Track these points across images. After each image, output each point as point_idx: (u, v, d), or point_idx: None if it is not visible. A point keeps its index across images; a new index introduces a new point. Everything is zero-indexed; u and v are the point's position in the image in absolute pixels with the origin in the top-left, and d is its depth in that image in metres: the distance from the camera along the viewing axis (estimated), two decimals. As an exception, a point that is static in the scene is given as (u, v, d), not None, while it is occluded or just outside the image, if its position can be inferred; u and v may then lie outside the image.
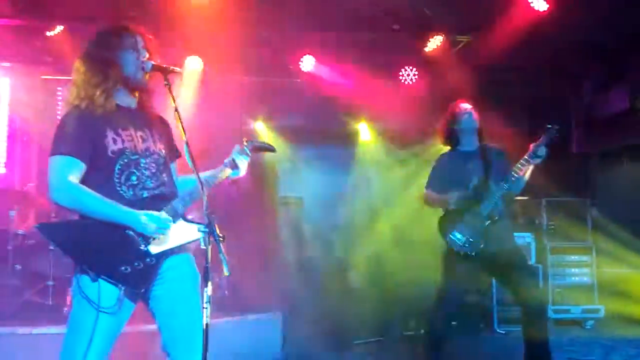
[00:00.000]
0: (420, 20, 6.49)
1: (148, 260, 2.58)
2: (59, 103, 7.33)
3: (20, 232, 5.85)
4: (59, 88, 7.65)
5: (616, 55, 6.96)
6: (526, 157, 4.11)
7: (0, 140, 6.49)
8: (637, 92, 6.90)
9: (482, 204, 4.16)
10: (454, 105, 4.47)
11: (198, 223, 2.61)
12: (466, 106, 4.44)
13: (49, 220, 5.66)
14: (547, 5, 5.76)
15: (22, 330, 4.70)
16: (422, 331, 5.98)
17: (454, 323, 6.17)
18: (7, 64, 7.34)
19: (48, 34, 6.62)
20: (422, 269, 6.14)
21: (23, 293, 5.65)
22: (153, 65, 2.67)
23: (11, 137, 7.08)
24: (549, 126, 4.13)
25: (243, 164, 2.90)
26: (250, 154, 2.95)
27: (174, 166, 2.93)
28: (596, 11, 5.71)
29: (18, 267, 5.81)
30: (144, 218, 2.53)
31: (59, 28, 6.56)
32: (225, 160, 2.89)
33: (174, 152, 2.90)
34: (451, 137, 4.46)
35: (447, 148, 4.56)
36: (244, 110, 8.00)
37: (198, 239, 2.47)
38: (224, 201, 6.39)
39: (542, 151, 4.08)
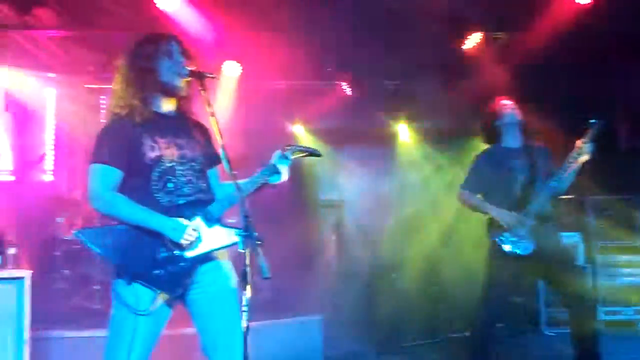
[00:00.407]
0: (458, 18, 6.40)
1: (182, 264, 2.62)
2: (103, 112, 7.50)
3: (67, 237, 6.00)
4: (102, 97, 7.83)
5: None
6: (572, 155, 4.01)
7: (47, 149, 6.67)
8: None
9: (530, 204, 4.07)
10: (495, 102, 4.38)
11: (235, 227, 2.62)
12: (508, 102, 4.36)
13: (97, 225, 5.80)
14: (591, -2, 5.61)
15: (70, 333, 4.83)
16: (467, 333, 5.92)
17: (499, 325, 6.10)
18: (52, 75, 7.55)
19: (91, 43, 6.78)
20: (467, 270, 6.06)
21: (71, 297, 5.81)
22: (189, 71, 2.69)
23: (58, 145, 7.26)
24: (593, 121, 4.03)
25: (284, 169, 2.89)
26: (291, 159, 2.93)
27: (215, 172, 2.94)
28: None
29: (66, 272, 5.98)
30: (171, 223, 2.58)
31: (101, 38, 6.71)
32: (265, 166, 2.88)
33: (213, 158, 2.91)
34: (493, 134, 4.36)
35: (485, 145, 4.47)
36: (283, 114, 8.03)
37: (234, 244, 2.48)
38: (265, 205, 6.42)
39: (588, 147, 3.97)
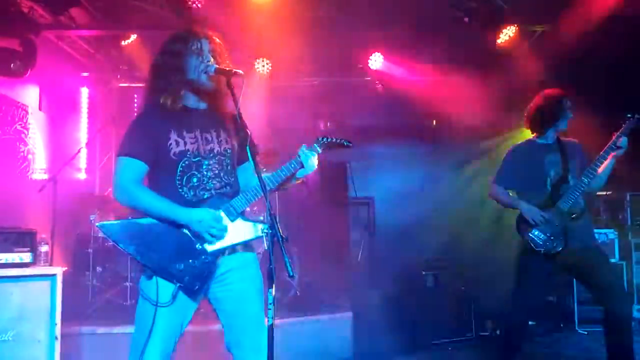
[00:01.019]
0: (492, 11, 6.30)
1: (203, 257, 2.65)
2: (135, 110, 7.61)
3: (100, 235, 6.09)
4: (135, 95, 7.95)
5: None
6: (607, 149, 3.92)
7: (81, 148, 6.79)
8: None
9: (561, 200, 4.00)
10: (554, 92, 4.21)
11: (258, 222, 2.63)
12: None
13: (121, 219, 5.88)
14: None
15: (102, 329, 4.92)
16: (498, 332, 5.84)
17: (532, 323, 6.01)
18: (85, 74, 7.68)
19: (123, 43, 6.88)
20: (498, 268, 5.98)
21: (103, 294, 5.90)
22: (216, 68, 2.69)
23: (91, 144, 7.39)
24: (629, 115, 3.94)
25: (311, 161, 2.88)
26: (320, 151, 2.94)
27: (244, 167, 2.94)
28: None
29: (99, 268, 6.08)
30: (198, 215, 2.60)
31: (133, 37, 6.80)
32: (292, 159, 2.89)
33: (242, 154, 2.90)
34: (547, 123, 4.18)
35: (519, 141, 4.38)
36: (313, 110, 8.03)
37: (256, 238, 2.49)
38: (295, 202, 6.43)
39: (624, 142, 3.89)
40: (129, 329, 4.60)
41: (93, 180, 7.86)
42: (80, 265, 6.13)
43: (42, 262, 3.93)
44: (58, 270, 3.82)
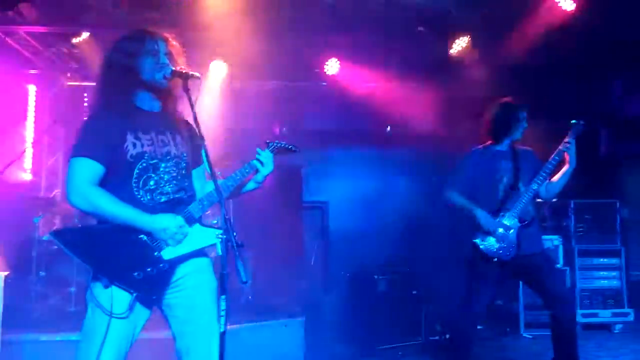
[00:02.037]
0: (445, 21, 6.42)
1: (161, 265, 2.58)
2: (85, 109, 7.42)
3: (44, 238, 5.91)
4: (85, 94, 7.75)
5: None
6: (554, 157, 4.04)
7: (26, 147, 6.57)
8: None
9: (512, 207, 4.09)
10: (510, 103, 4.32)
11: (215, 228, 2.60)
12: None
13: (73, 226, 5.72)
14: (575, 4, 5.65)
15: (45, 336, 4.74)
16: (447, 336, 5.93)
17: (479, 327, 6.12)
18: (33, 71, 7.45)
19: (74, 40, 6.71)
20: (449, 273, 6.07)
21: (47, 299, 5.71)
22: (173, 70, 2.65)
23: (37, 144, 7.16)
24: (574, 122, 4.09)
25: (268, 162, 2.89)
26: (272, 155, 2.94)
27: (198, 171, 2.91)
28: (624, 10, 5.59)
29: (42, 273, 5.88)
30: (162, 222, 2.54)
31: (85, 34, 6.64)
32: (246, 164, 2.87)
33: (197, 157, 2.88)
34: (502, 132, 4.28)
35: (473, 147, 4.47)
36: (269, 114, 8.00)
37: (213, 244, 2.46)
38: (249, 206, 6.39)
39: (570, 149, 4.00)
40: (74, 336, 4.51)
41: (39, 182, 7.61)
42: (23, 270, 5.90)
43: (-17, 266, 3.79)
44: (0, 275, 3.69)
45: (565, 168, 4.11)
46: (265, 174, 2.90)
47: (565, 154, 4.05)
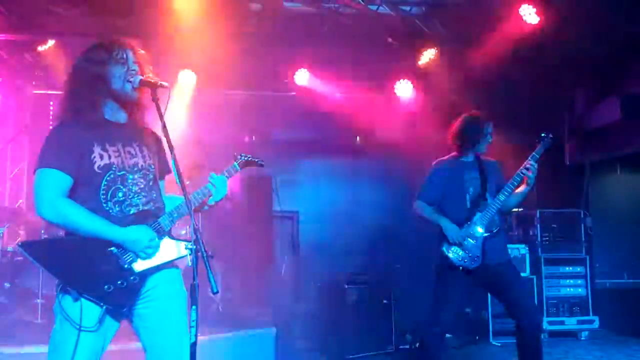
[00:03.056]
0: (413, 33, 6.50)
1: (132, 278, 2.55)
2: (51, 118, 7.29)
3: (9, 249, 5.79)
4: (51, 103, 7.62)
5: (607, 67, 6.98)
6: (522, 169, 4.11)
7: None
8: (629, 103, 6.91)
9: (479, 217, 4.15)
10: (476, 117, 4.38)
11: (184, 240, 2.58)
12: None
13: (39, 237, 5.61)
14: (539, 18, 5.78)
15: (9, 349, 4.63)
16: (418, 345, 5.96)
17: (448, 335, 6.17)
18: (-3, 79, 7.31)
19: (39, 48, 6.60)
20: (418, 282, 6.12)
21: (11, 311, 5.58)
22: (141, 80, 2.63)
23: (1, 153, 7.01)
24: (543, 135, 4.16)
25: (221, 186, 2.86)
26: (239, 169, 2.98)
27: (163, 183, 2.90)
28: (587, 23, 5.74)
29: (7, 284, 5.74)
30: (133, 234, 2.51)
31: (51, 42, 6.54)
32: (202, 187, 2.85)
33: (165, 168, 2.87)
34: (467, 145, 4.34)
35: (441, 157, 4.52)
36: (238, 124, 7.98)
37: (184, 257, 2.44)
38: (219, 216, 6.35)
39: (532, 167, 4.07)
40: (40, 348, 4.42)
41: (2, 192, 7.45)
42: (-13, 281, 5.78)
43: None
44: (-37, 287, 3.60)
45: (522, 187, 4.18)
46: (217, 199, 2.89)
47: (527, 173, 4.10)
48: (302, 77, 7.36)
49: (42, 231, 5.68)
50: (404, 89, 7.59)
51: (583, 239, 7.13)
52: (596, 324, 6.83)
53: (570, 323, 6.85)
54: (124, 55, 2.67)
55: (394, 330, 6.12)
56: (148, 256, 2.58)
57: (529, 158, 4.12)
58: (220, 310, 6.03)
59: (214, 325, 5.55)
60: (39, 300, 5.51)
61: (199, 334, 2.30)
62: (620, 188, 8.10)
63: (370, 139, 8.33)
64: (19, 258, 5.81)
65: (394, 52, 6.81)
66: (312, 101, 7.57)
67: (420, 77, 7.29)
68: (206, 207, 2.94)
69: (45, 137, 2.59)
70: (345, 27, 6.28)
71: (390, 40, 6.55)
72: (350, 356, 5.82)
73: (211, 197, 2.87)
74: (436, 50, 6.79)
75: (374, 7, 6.15)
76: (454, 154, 4.45)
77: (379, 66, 7.22)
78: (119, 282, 2.51)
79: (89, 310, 2.45)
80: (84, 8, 5.92)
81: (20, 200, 7.27)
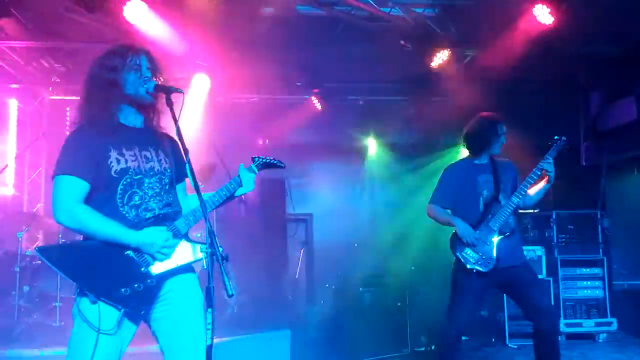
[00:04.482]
0: (426, 35, 6.49)
1: (149, 281, 2.57)
2: (67, 123, 7.38)
3: (28, 252, 5.85)
4: (67, 108, 7.72)
5: (622, 67, 6.92)
6: (535, 171, 4.09)
7: (9, 162, 6.52)
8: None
9: (493, 219, 4.13)
10: (490, 118, 4.35)
11: (200, 243, 2.60)
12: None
13: (57, 241, 5.68)
14: (553, 19, 5.74)
15: (29, 352, 4.69)
16: (433, 347, 5.95)
17: (465, 338, 6.14)
18: (15, 86, 7.41)
19: (56, 54, 6.68)
20: (432, 285, 6.10)
21: (31, 314, 5.65)
22: (156, 85, 2.65)
23: (19, 158, 7.10)
24: (556, 137, 4.13)
25: (250, 180, 2.90)
26: (257, 171, 2.96)
27: (183, 186, 2.92)
28: (601, 23, 5.70)
29: (26, 288, 5.82)
30: (149, 237, 2.54)
31: (67, 49, 6.62)
32: (231, 179, 2.89)
33: (181, 172, 2.88)
34: (481, 147, 4.31)
35: (454, 160, 4.50)
36: (252, 127, 8.03)
37: (200, 259, 2.45)
38: (233, 220, 6.38)
39: (549, 166, 4.05)
40: (59, 351, 4.47)
41: (21, 196, 7.55)
42: (6, 285, 5.84)
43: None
44: (-17, 291, 3.65)
45: (543, 183, 4.15)
46: (246, 191, 2.91)
47: (544, 170, 4.08)
48: (314, 80, 7.36)
49: (60, 235, 5.75)
50: (418, 90, 7.56)
51: (600, 240, 7.05)
52: (614, 326, 6.75)
53: (588, 325, 6.78)
54: (138, 61, 2.69)
55: (409, 332, 6.10)
56: (164, 258, 2.60)
57: (542, 161, 4.09)
58: (235, 313, 6.06)
59: (229, 327, 5.58)
60: (57, 304, 5.58)
61: (214, 337, 2.32)
62: (637, 188, 8.00)
63: (383, 141, 8.34)
64: (37, 262, 5.88)
65: (407, 54, 6.80)
66: (325, 104, 7.59)
67: (434, 78, 7.26)
68: (231, 197, 2.93)
69: (62, 144, 2.62)
70: (358, 30, 6.29)
71: (402, 42, 6.55)
72: (366, 358, 5.81)
73: (241, 188, 2.89)
74: (449, 52, 6.77)
75: (386, 10, 6.15)
76: (467, 156, 4.43)
77: (392, 68, 7.22)
78: (135, 285, 2.53)
79: (107, 313, 2.48)
80: (99, 15, 5.99)
81: (39, 205, 7.36)
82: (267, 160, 3.03)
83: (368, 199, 8.22)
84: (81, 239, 2.63)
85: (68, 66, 7.07)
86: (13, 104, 7.54)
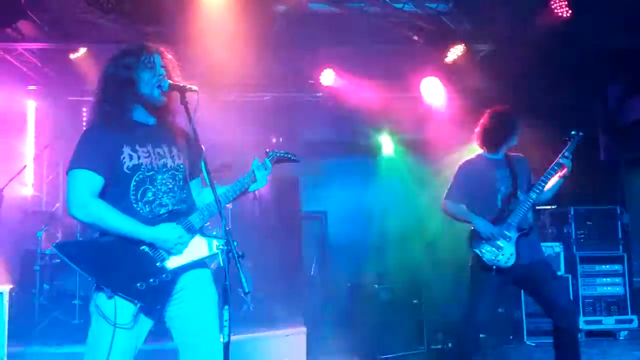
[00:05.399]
0: (440, 30, 6.45)
1: (164, 276, 2.60)
2: (84, 124, 7.44)
3: (47, 251, 5.92)
4: (84, 109, 7.78)
5: (640, 60, 6.83)
6: (553, 166, 4.05)
7: (27, 162, 6.60)
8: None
9: (511, 215, 4.09)
10: (506, 111, 4.33)
11: (215, 237, 2.61)
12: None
13: (76, 239, 5.74)
14: (571, 11, 5.67)
15: (49, 349, 4.75)
16: (450, 344, 5.92)
17: (482, 335, 6.11)
18: (32, 87, 7.49)
19: (72, 56, 6.74)
20: (449, 282, 6.07)
21: (50, 312, 5.72)
22: (170, 84, 2.68)
23: (38, 158, 7.18)
24: (574, 132, 4.09)
25: (263, 175, 2.91)
26: (271, 166, 2.98)
27: (197, 182, 2.94)
28: (619, 16, 5.62)
29: (46, 286, 5.89)
30: (163, 233, 2.56)
31: (83, 50, 6.68)
32: (245, 174, 2.90)
33: (195, 168, 2.89)
34: (500, 141, 4.29)
35: (468, 157, 4.47)
36: (265, 124, 8.03)
37: (215, 254, 2.46)
38: (248, 217, 6.40)
39: (567, 161, 4.01)
40: (78, 348, 4.52)
41: (40, 196, 7.64)
42: (26, 283, 5.92)
43: (-14, 280, 3.80)
44: (4, 289, 3.70)
45: (557, 178, 4.11)
46: (260, 186, 2.94)
47: (564, 165, 4.05)
48: (328, 77, 7.35)
49: (78, 234, 5.81)
50: (431, 87, 7.51)
51: (620, 236, 6.97)
52: (635, 324, 6.66)
53: (608, 322, 6.70)
54: (152, 60, 2.72)
55: (425, 330, 6.08)
56: (178, 253, 2.62)
57: (560, 157, 4.05)
58: (250, 310, 6.08)
59: (245, 325, 5.60)
60: (76, 302, 5.64)
61: (231, 334, 2.32)
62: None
63: (397, 138, 8.30)
64: (57, 260, 5.95)
65: (420, 50, 6.76)
66: (338, 101, 7.57)
67: (447, 74, 7.21)
68: (245, 191, 2.96)
69: (78, 140, 2.65)
70: (371, 26, 6.26)
71: (416, 38, 6.51)
72: (382, 356, 5.79)
73: (255, 183, 2.91)
74: (464, 47, 6.71)
75: (399, 5, 6.12)
76: (481, 152, 4.39)
77: (405, 64, 7.18)
78: (151, 280, 2.56)
79: (124, 308, 2.50)
80: (115, 15, 6.04)
81: (57, 204, 7.44)
82: (281, 154, 3.05)
83: (382, 196, 8.17)
84: (97, 236, 2.65)
85: (84, 67, 7.12)
86: (31, 105, 7.62)
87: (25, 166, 6.42)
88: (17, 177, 5.98)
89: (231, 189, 2.85)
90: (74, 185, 2.56)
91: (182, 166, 2.79)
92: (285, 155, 3.07)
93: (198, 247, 2.68)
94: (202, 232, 2.73)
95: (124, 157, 2.62)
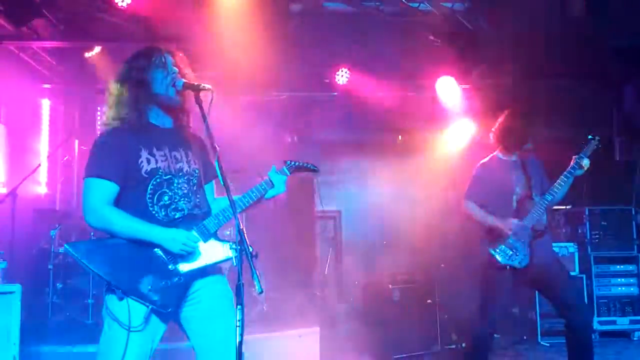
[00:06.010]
0: (456, 30, 6.41)
1: (176, 279, 2.59)
2: (98, 122, 7.48)
3: (61, 250, 5.94)
4: (98, 108, 7.82)
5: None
6: (569, 170, 4.03)
7: (41, 161, 6.63)
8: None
9: (527, 216, 4.08)
10: (523, 112, 4.31)
11: (229, 241, 2.60)
12: None
13: (89, 239, 5.75)
14: (585, 12, 5.62)
15: (61, 349, 4.76)
16: (464, 345, 5.89)
17: (496, 335, 6.08)
18: (47, 86, 7.53)
19: (86, 54, 6.77)
20: (464, 281, 6.03)
21: (63, 311, 5.75)
22: (184, 83, 2.67)
23: (52, 157, 7.22)
24: (590, 137, 4.07)
25: (281, 183, 2.90)
26: (289, 173, 2.96)
27: (212, 185, 2.93)
28: (634, 16, 5.57)
29: (59, 285, 5.92)
30: (169, 234, 2.56)
31: (97, 49, 6.70)
32: (262, 180, 2.89)
33: (210, 172, 2.89)
34: (518, 143, 4.28)
35: (486, 157, 4.44)
36: (280, 125, 8.02)
37: (229, 258, 2.45)
38: (261, 217, 6.40)
39: (585, 163, 4.00)
40: (91, 347, 4.53)
41: (54, 195, 7.68)
42: (40, 282, 5.94)
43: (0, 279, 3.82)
44: (17, 288, 3.71)
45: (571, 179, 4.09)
46: (277, 193, 2.93)
47: (580, 167, 4.02)
48: (343, 77, 7.33)
49: (92, 233, 5.83)
50: (447, 87, 7.47)
51: (634, 236, 6.92)
52: (650, 325, 6.62)
53: (623, 323, 6.66)
54: (163, 59, 2.72)
55: (439, 329, 6.05)
56: (188, 255, 2.61)
57: (575, 160, 4.02)
58: (264, 310, 6.08)
59: (258, 325, 5.60)
60: (90, 301, 5.66)
61: (244, 334, 2.31)
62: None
63: (412, 138, 8.26)
64: (70, 259, 5.97)
65: (437, 49, 6.72)
66: (353, 101, 7.55)
67: (464, 74, 7.17)
68: (261, 198, 2.94)
69: (92, 145, 2.65)
70: (386, 26, 6.24)
71: (432, 37, 6.47)
72: (396, 356, 5.78)
73: (272, 190, 2.91)
74: (480, 47, 6.65)
75: (415, 5, 6.09)
76: (497, 153, 4.37)
77: (421, 64, 7.15)
78: (162, 283, 2.55)
79: (135, 310, 2.50)
80: (128, 14, 6.06)
81: (72, 204, 7.48)
82: (300, 164, 3.02)
83: (397, 195, 8.14)
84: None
85: (98, 65, 7.15)
86: (45, 104, 7.66)
87: (39, 165, 6.44)
88: (31, 175, 6.00)
89: (247, 195, 2.84)
90: (87, 194, 2.59)
91: (197, 171, 2.79)
92: (305, 165, 3.04)
93: (212, 251, 2.67)
94: (217, 236, 2.72)
95: (141, 161, 2.62)
